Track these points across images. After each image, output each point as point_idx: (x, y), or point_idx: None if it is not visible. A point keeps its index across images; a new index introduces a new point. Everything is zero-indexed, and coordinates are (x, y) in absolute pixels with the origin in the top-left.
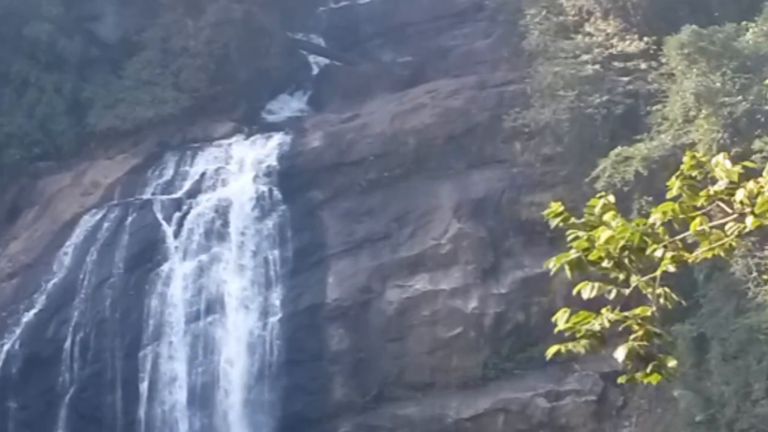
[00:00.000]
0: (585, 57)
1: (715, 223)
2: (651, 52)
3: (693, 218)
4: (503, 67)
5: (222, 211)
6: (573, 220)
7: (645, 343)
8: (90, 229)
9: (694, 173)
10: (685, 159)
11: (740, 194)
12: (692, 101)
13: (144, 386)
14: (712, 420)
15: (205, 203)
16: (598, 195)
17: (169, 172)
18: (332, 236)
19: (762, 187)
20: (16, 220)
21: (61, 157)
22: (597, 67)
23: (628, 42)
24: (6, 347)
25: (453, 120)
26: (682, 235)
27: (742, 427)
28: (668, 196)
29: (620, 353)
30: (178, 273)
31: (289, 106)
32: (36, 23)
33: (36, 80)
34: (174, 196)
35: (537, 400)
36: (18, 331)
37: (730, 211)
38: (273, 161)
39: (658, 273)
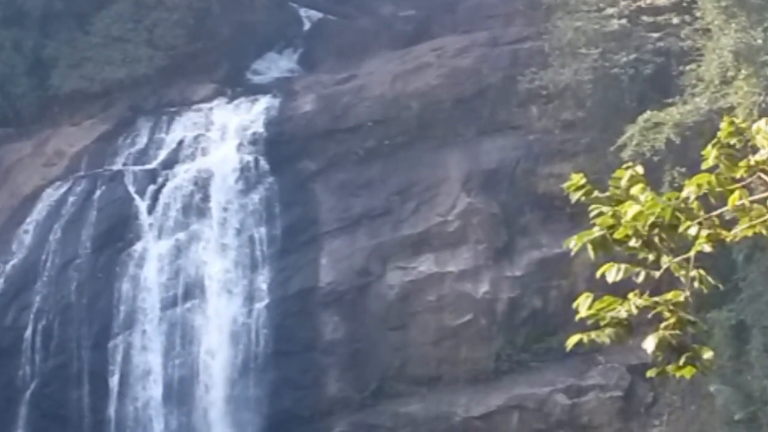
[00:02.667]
0: (610, 10)
1: (756, 197)
2: (684, 4)
3: (731, 191)
4: (518, 21)
5: (202, 184)
6: (596, 193)
7: (677, 332)
8: (53, 204)
9: (733, 141)
10: (723, 125)
11: None
12: (730, 60)
13: (114, 380)
14: (752, 418)
15: (182, 175)
16: (624, 165)
17: (142, 140)
18: (326, 212)
19: None
20: None
21: (20, 123)
22: (623, 21)
23: None
24: None
25: (461, 81)
26: (719, 211)
27: None
28: (703, 166)
29: (650, 343)
30: (152, 253)
31: (277, 65)
32: None
33: None
34: (148, 166)
35: (556, 396)
36: None
37: None
38: (259, 127)
39: (692, 253)
